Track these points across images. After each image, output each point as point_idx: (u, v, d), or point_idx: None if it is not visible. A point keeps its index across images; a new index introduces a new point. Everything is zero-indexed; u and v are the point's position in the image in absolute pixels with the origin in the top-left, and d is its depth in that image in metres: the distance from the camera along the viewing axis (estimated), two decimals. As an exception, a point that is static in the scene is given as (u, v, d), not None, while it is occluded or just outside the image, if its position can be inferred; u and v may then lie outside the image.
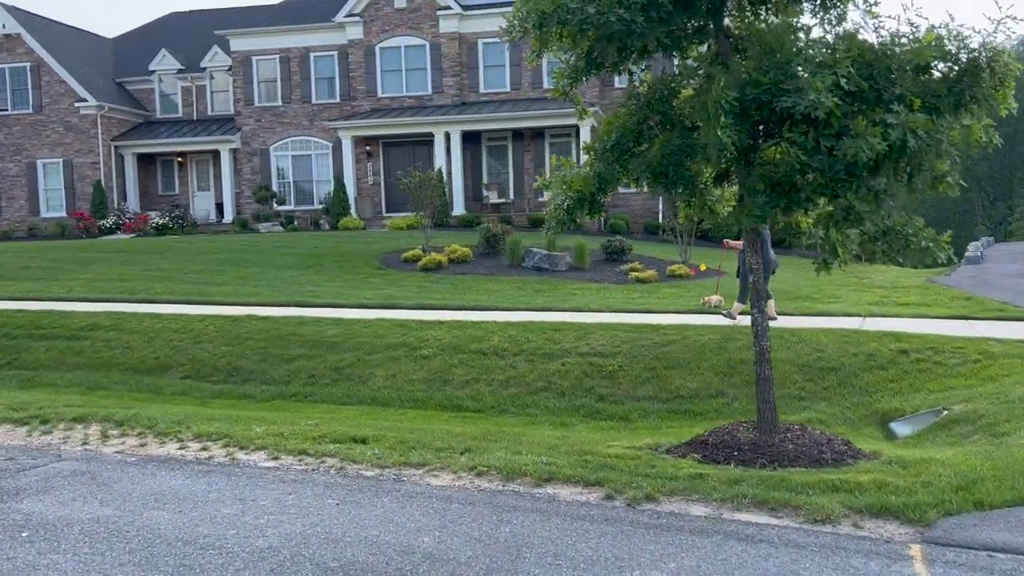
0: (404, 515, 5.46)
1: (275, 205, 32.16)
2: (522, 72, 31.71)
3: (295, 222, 31.89)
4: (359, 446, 7.36)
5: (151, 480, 6.37)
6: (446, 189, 30.03)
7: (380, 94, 32.51)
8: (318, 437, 7.66)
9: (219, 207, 35.01)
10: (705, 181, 7.52)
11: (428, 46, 32.13)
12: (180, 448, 7.48)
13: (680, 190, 7.20)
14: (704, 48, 7.72)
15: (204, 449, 7.40)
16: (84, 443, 7.78)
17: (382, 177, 32.92)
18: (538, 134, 31.93)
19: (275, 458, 7.06)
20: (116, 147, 34.19)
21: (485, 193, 31.89)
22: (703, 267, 19.21)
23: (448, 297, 17.23)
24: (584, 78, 7.97)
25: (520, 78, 31.78)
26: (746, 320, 12.91)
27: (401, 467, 6.68)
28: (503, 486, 6.12)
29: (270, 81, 33.68)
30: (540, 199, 31.34)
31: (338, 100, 33.17)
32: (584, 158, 8.02)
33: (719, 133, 6.27)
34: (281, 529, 5.23)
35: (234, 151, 33.95)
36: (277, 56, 33.49)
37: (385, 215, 32.13)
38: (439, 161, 31.03)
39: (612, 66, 7.81)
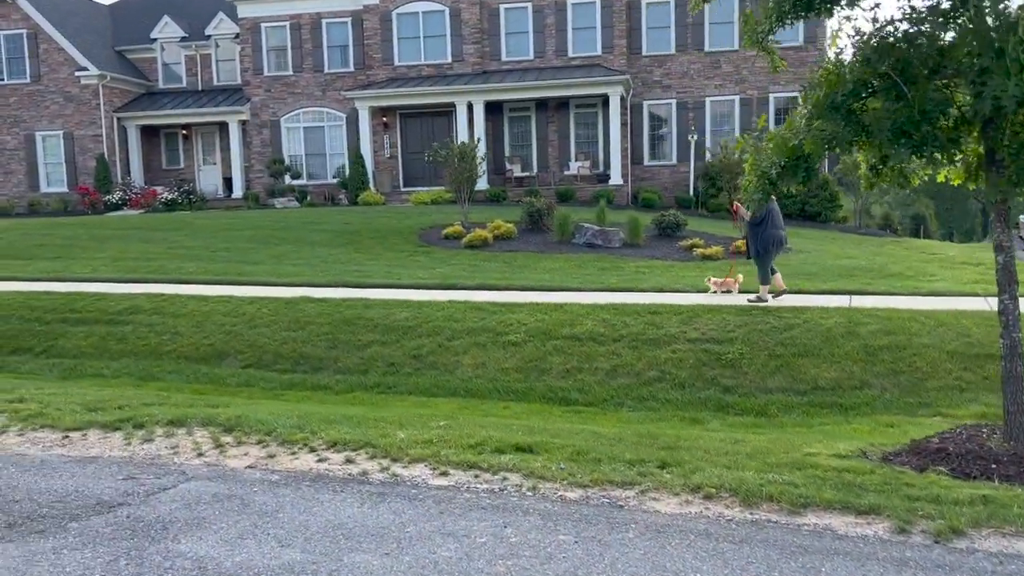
0: (672, 559, 4.41)
1: (289, 179, 30.79)
2: (546, 39, 30.43)
3: (308, 197, 30.55)
4: (530, 456, 6.30)
5: (319, 508, 5.28)
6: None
7: (397, 62, 31.10)
8: (475, 445, 6.59)
9: (227, 181, 33.59)
10: (957, 141, 6.20)
11: (448, 12, 30.72)
12: (319, 460, 6.38)
13: (933, 151, 6.00)
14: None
15: (349, 462, 6.32)
16: (199, 453, 6.68)
17: (399, 150, 31.60)
18: (562, 104, 30.70)
19: (443, 474, 5.99)
20: (119, 119, 32.63)
21: (508, 166, 30.67)
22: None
23: (508, 277, 16.13)
24: (789, 21, 6.85)
25: (544, 46, 30.49)
26: (771, 301, 12.03)
27: (604, 487, 5.63)
28: (751, 514, 5.09)
29: (280, 49, 32.19)
30: (566, 172, 30.24)
31: (352, 69, 31.77)
32: (799, 113, 6.85)
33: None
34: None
35: (243, 123, 32.50)
36: (287, 23, 31.99)
37: (403, 189, 30.85)
38: (461, 133, 29.75)
39: (825, 6, 6.69)
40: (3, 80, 32.31)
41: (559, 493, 5.55)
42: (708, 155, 29.87)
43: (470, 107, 29.61)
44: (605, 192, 27.97)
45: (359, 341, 12.50)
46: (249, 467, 6.28)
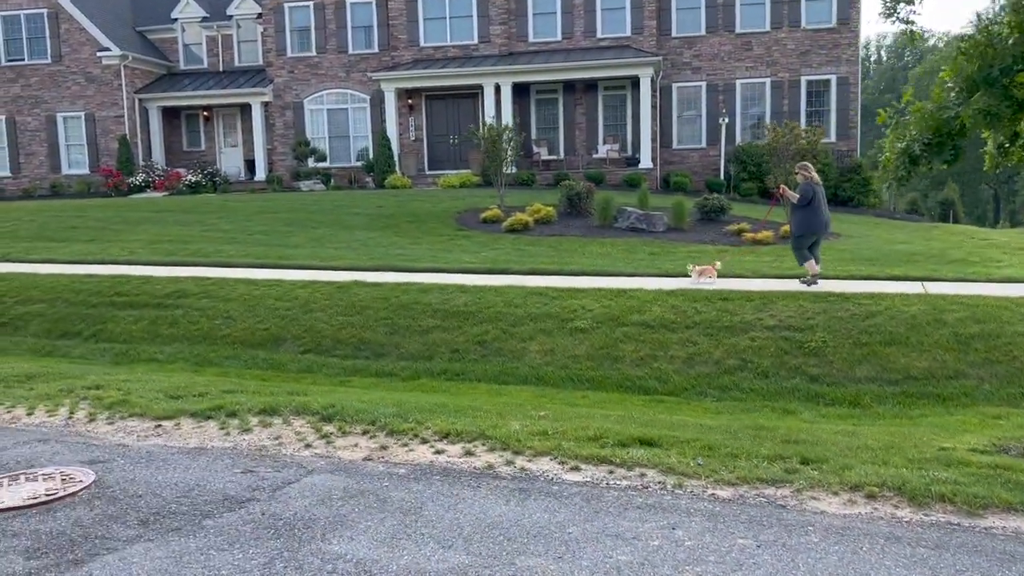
0: (874, 566, 4.10)
1: (315, 162, 30.42)
2: (574, 20, 29.98)
3: (331, 180, 30.19)
4: (659, 451, 6.02)
5: (464, 505, 5.00)
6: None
7: (423, 43, 30.67)
8: (595, 438, 6.30)
9: (249, 164, 33.21)
10: None
11: (475, -8, 30.26)
12: (436, 452, 6.09)
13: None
14: None
15: (469, 454, 6.03)
16: (305, 444, 6.39)
17: (424, 132, 31.21)
18: (590, 86, 30.30)
19: (574, 468, 5.70)
20: (140, 100, 32.24)
21: (535, 149, 30.28)
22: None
23: (558, 262, 15.81)
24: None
25: (572, 26, 30.04)
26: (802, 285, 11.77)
27: (755, 485, 5.34)
28: (925, 516, 4.80)
29: (303, 30, 31.76)
30: (594, 155, 29.86)
31: (376, 50, 31.35)
32: (943, 87, 6.48)
33: None
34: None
35: (265, 104, 32.12)
36: (311, 3, 31.55)
37: (428, 173, 30.48)
38: (488, 115, 29.35)
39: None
40: (24, 60, 31.92)
41: (709, 491, 5.26)
42: (738, 138, 29.54)
43: (497, 89, 29.21)
44: (636, 176, 27.61)
45: (419, 327, 12.21)
46: (366, 459, 6.00)
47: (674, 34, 29.94)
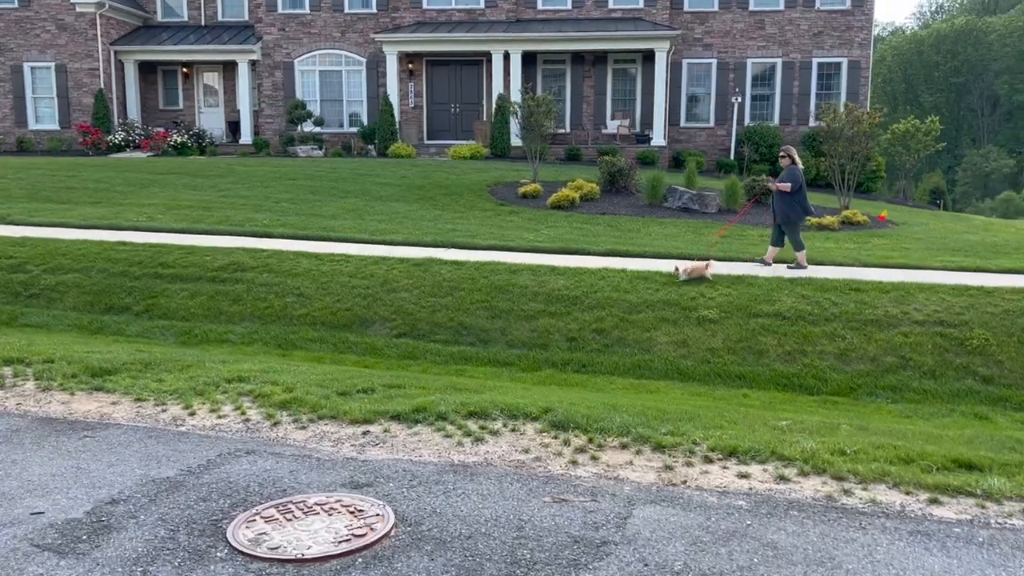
0: None
1: (312, 126, 28.83)
2: (585, -11, 28.91)
3: (323, 146, 28.68)
4: (992, 477, 5.20)
5: (879, 555, 4.09)
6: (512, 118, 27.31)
7: (425, 5, 29.23)
8: (908, 460, 5.45)
9: (232, 125, 31.38)
10: None
11: (482, -47, 28.93)
12: (740, 476, 5.15)
13: None
14: None
15: (783, 479, 5.11)
16: (571, 461, 5.37)
17: (424, 100, 29.87)
18: (600, 59, 29.34)
19: (935, 501, 4.84)
20: (116, 52, 30.10)
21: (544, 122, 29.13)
22: (884, 214, 17.39)
23: (627, 242, 14.94)
24: None
25: (583, -4, 28.97)
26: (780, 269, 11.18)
27: None
28: None
29: (296, -15, 30.01)
30: (603, 131, 28.96)
31: (375, 10, 29.78)
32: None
33: None
34: None
35: (253, 63, 30.32)
36: (306, -44, 29.80)
37: (427, 142, 29.20)
38: (496, 84, 28.21)
39: None
40: (-12, 3, 29.49)
41: None
42: (747, 118, 28.97)
43: (506, 57, 28.04)
44: (650, 153, 26.85)
45: (523, 311, 11.21)
46: (669, 484, 5.04)
47: (686, 8, 29.12)
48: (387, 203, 18.19)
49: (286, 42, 30.21)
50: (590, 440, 5.77)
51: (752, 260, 13.13)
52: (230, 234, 15.01)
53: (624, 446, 5.69)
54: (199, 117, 31.96)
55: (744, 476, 5.20)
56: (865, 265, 12.96)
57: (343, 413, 6.23)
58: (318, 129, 29.45)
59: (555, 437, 5.85)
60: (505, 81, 28.12)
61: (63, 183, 19.76)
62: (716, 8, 29.06)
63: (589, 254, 13.77)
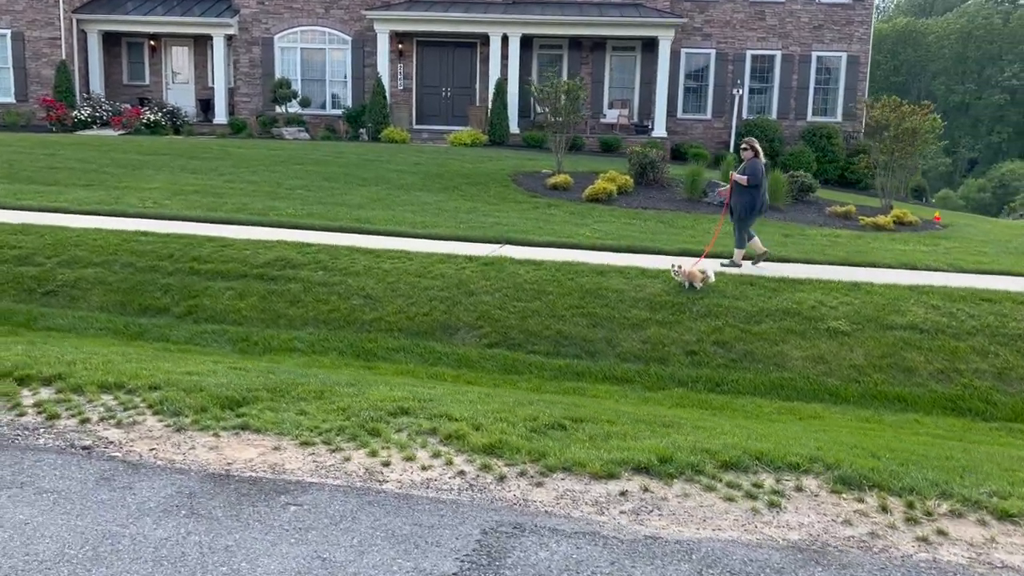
0: None
1: (298, 106, 27.06)
2: (584, -28, 27.75)
3: (307, 128, 26.98)
4: None
5: None
6: (510, 104, 26.12)
7: (416, -17, 27.72)
8: None
9: (204, 103, 29.34)
10: None
11: (479, -71, 27.53)
12: None
13: None
14: None
15: None
16: (920, 538, 4.29)
17: (414, 82, 28.36)
18: (598, 45, 28.24)
19: None
20: (78, 21, 27.84)
21: (539, 109, 27.95)
22: (938, 215, 16.74)
23: (690, 240, 13.89)
24: None
25: (582, -22, 27.80)
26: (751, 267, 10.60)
27: None
28: None
29: (277, -45, 28.14)
30: (601, 120, 27.91)
31: (362, -13, 28.14)
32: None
33: None
34: None
35: (229, 38, 28.38)
36: (289, -75, 27.95)
37: (416, 127, 27.73)
38: (492, 67, 26.90)
39: None
40: (-64, -38, 26.93)
41: None
42: (745, 112, 28.25)
43: (505, 40, 26.73)
44: (651, 144, 25.86)
45: (626, 319, 10.07)
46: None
47: (684, -6, 28.21)
48: (411, 192, 16.81)
49: (265, 16, 28.33)
50: (910, 505, 4.68)
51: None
52: (255, 224, 13.51)
53: (958, 514, 4.62)
54: (167, 93, 29.83)
55: None
56: (962, 271, 12.18)
57: (575, 464, 5.02)
58: (301, 110, 27.69)
59: (860, 500, 4.75)
60: (502, 64, 26.83)
61: (43, 163, 17.83)
62: (717, -3, 28.23)
63: (662, 253, 12.70)
